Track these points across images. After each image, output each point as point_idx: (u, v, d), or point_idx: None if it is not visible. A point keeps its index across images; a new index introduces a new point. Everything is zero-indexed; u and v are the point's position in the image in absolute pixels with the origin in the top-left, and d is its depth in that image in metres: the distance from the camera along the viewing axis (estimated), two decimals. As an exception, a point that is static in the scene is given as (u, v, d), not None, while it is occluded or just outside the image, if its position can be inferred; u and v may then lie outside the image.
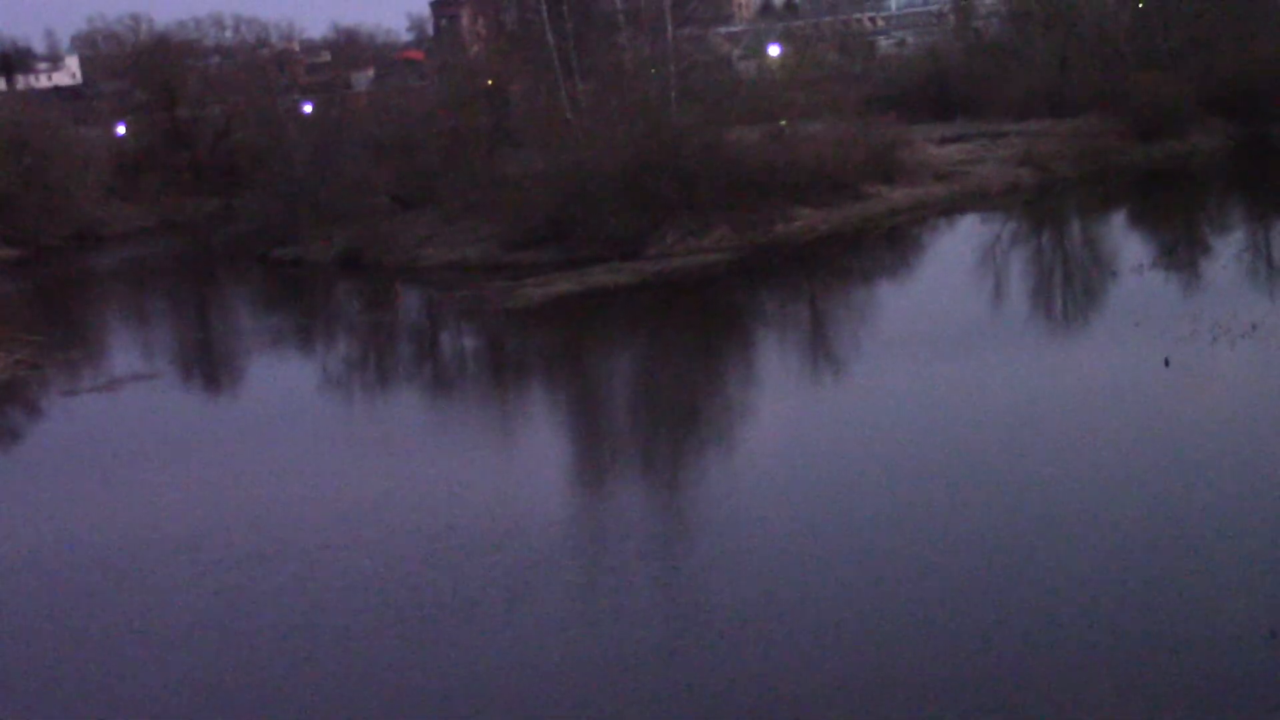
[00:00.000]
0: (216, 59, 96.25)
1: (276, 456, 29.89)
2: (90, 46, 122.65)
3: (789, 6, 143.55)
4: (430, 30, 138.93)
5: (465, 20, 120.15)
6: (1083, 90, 65.77)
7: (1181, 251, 43.97)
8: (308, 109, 79.28)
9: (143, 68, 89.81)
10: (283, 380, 38.62)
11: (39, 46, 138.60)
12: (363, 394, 36.45)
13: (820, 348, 36.25)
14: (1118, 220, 52.41)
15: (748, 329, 39.96)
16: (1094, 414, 26.42)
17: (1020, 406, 27.48)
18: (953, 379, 30.14)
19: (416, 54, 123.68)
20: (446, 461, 28.39)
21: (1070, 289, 40.86)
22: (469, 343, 42.43)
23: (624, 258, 47.41)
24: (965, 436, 25.93)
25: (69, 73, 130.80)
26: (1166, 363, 28.97)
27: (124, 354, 44.32)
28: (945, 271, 44.49)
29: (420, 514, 24.39)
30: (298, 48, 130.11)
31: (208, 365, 43.01)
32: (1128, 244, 46.07)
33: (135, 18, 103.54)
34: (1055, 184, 57.94)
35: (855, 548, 21.07)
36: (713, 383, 33.74)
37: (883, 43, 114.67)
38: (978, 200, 55.95)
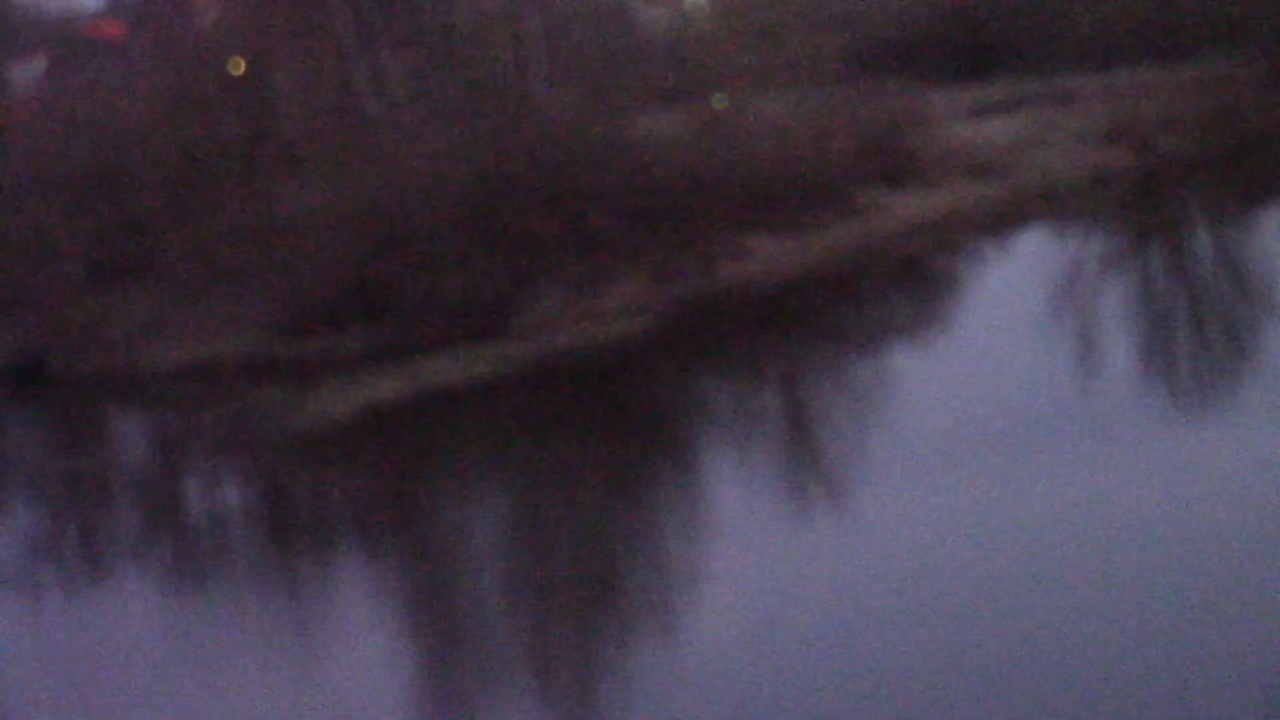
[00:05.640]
0: None
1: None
2: None
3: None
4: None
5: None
6: (1202, 19, 66.61)
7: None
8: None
9: None
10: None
11: None
12: (59, 597, 36.27)
13: (807, 467, 36.48)
14: (1276, 222, 53.06)
15: (686, 443, 40.21)
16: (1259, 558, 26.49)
17: (1130, 548, 27.30)
18: (1026, 505, 30.21)
19: (114, 27, 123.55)
20: (202, 706, 28.12)
21: (1205, 346, 41.23)
22: (231, 497, 42.46)
23: (478, 337, 47.99)
24: (1048, 606, 25.66)
25: None
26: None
27: None
28: (996, 327, 44.98)
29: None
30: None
31: None
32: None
33: None
34: (1167, 169, 58.54)
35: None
36: (637, 542, 33.79)
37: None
38: (1042, 205, 56.61)
